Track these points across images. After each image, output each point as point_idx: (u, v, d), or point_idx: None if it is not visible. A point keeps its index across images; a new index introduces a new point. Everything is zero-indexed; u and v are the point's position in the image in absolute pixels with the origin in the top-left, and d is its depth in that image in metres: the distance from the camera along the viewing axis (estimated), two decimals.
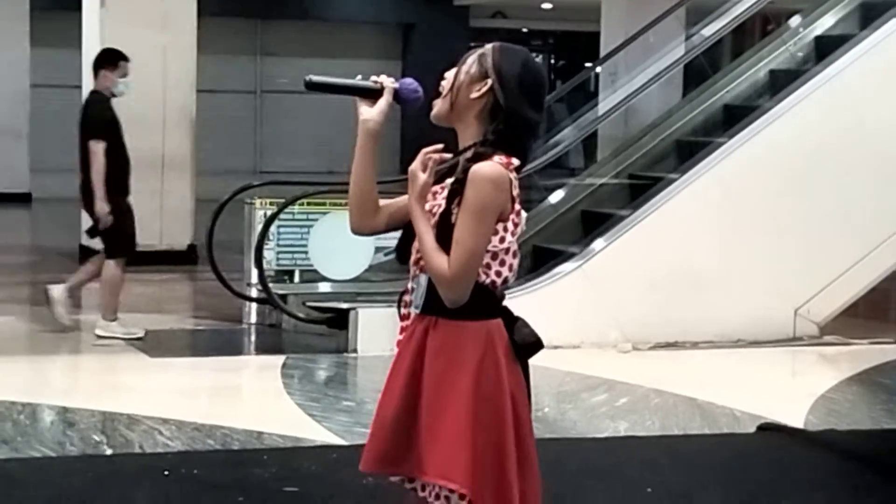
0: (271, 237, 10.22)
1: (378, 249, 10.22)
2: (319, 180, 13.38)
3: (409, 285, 3.63)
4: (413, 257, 3.60)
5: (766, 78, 11.33)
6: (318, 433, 7.21)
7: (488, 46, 3.64)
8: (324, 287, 10.27)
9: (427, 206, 3.55)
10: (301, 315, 9.85)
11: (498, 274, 3.53)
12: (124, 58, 9.76)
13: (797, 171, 9.98)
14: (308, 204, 10.31)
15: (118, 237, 9.54)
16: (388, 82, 3.70)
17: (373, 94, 3.69)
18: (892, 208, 10.10)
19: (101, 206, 9.36)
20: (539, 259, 10.17)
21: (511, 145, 3.54)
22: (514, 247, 3.56)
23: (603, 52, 19.58)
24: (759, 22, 17.83)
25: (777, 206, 9.95)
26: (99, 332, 9.59)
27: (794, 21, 11.62)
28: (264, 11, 26.20)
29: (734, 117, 10.70)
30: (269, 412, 7.87)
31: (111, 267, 9.56)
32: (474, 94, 3.59)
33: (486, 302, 3.53)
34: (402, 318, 3.67)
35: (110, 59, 9.76)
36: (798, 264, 9.96)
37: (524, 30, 30.73)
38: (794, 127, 10.00)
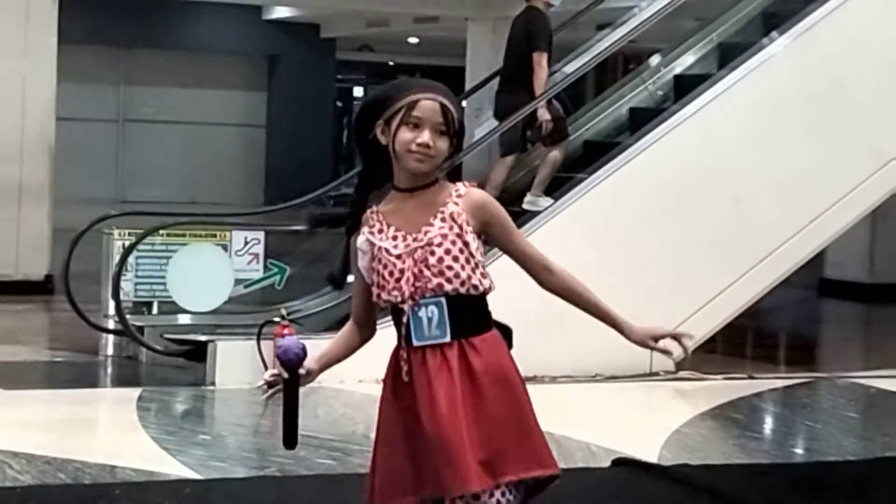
0: (129, 268, 10.10)
1: (238, 282, 10.16)
2: (181, 211, 13.25)
3: (407, 319, 3.80)
4: (406, 292, 3.78)
5: (627, 115, 11.49)
6: (172, 467, 7.12)
7: (449, 105, 3.84)
8: (182, 319, 10.18)
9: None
10: (158, 347, 9.75)
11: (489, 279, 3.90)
12: None
13: (655, 206, 10.10)
14: (167, 235, 10.21)
15: (559, 133, 10.79)
16: (269, 375, 3.84)
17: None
18: (746, 246, 10.26)
19: (543, 113, 10.63)
20: None
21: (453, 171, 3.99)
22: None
23: (468, 87, 19.72)
24: (621, 60, 18.09)
25: (635, 243, 10.06)
26: (526, 206, 10.50)
27: (654, 60, 11.80)
28: (128, 40, 25.96)
29: (594, 153, 10.83)
30: (124, 446, 7.77)
31: (557, 152, 10.78)
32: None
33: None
34: (403, 361, 3.84)
35: None
36: (655, 300, 10.06)
37: (390, 63, 30.82)
38: (651, 164, 10.12)
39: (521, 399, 3.85)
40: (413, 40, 27.04)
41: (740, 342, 11.73)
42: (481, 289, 3.83)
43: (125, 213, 11.08)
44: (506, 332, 3.94)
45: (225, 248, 10.22)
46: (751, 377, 10.21)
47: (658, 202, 10.10)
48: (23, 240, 13.19)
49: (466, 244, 3.80)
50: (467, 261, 3.80)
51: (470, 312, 3.83)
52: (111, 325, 10.22)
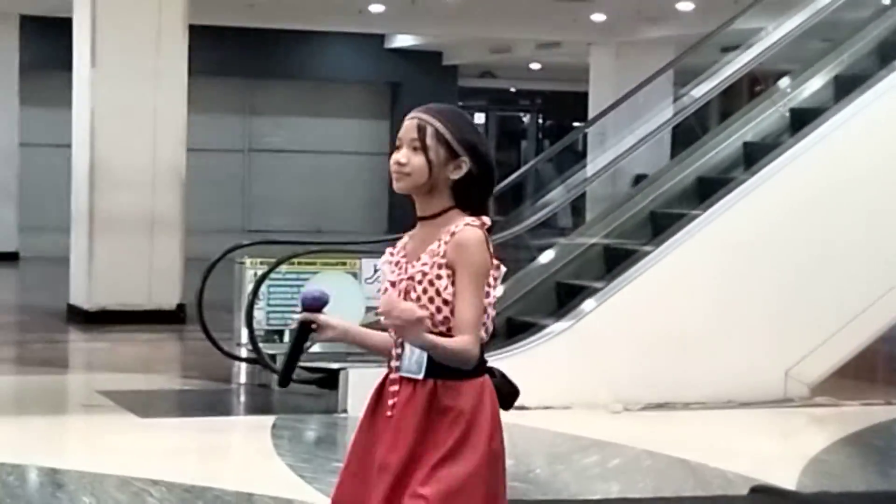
0: (261, 297, 10.19)
1: (369, 309, 10.19)
2: (308, 239, 13.38)
3: (396, 351, 3.81)
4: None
5: (757, 138, 11.36)
6: (308, 494, 7.16)
7: (430, 119, 3.72)
8: (314, 347, 10.21)
9: (409, 272, 3.74)
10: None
11: (484, 327, 3.70)
12: None
13: (787, 231, 9.98)
14: (298, 263, 10.29)
15: None
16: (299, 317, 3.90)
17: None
18: (881, 268, 10.10)
19: None
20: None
21: (480, 204, 3.74)
22: (493, 300, 3.75)
23: (592, 113, 19.69)
24: (747, 82, 17.92)
25: (767, 267, 9.94)
26: None
27: (783, 82, 11.66)
28: (254, 71, 26.30)
29: (722, 180, 10.72)
30: (260, 473, 7.83)
31: None
32: (455, 176, 3.71)
33: (479, 358, 3.70)
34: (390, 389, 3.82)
35: None
36: (789, 325, 9.95)
37: (512, 89, 30.87)
38: (783, 187, 10.02)
39: (475, 453, 3.65)
40: (535, 66, 27.08)
41: (874, 367, 11.53)
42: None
43: (257, 243, 11.16)
44: (509, 392, 3.76)
45: (355, 276, 10.26)
46: (888, 403, 10.04)
47: (789, 226, 9.98)
48: (155, 270, 13.36)
49: (433, 285, 3.68)
50: (431, 300, 3.69)
51: None
52: (244, 353, 10.31)
